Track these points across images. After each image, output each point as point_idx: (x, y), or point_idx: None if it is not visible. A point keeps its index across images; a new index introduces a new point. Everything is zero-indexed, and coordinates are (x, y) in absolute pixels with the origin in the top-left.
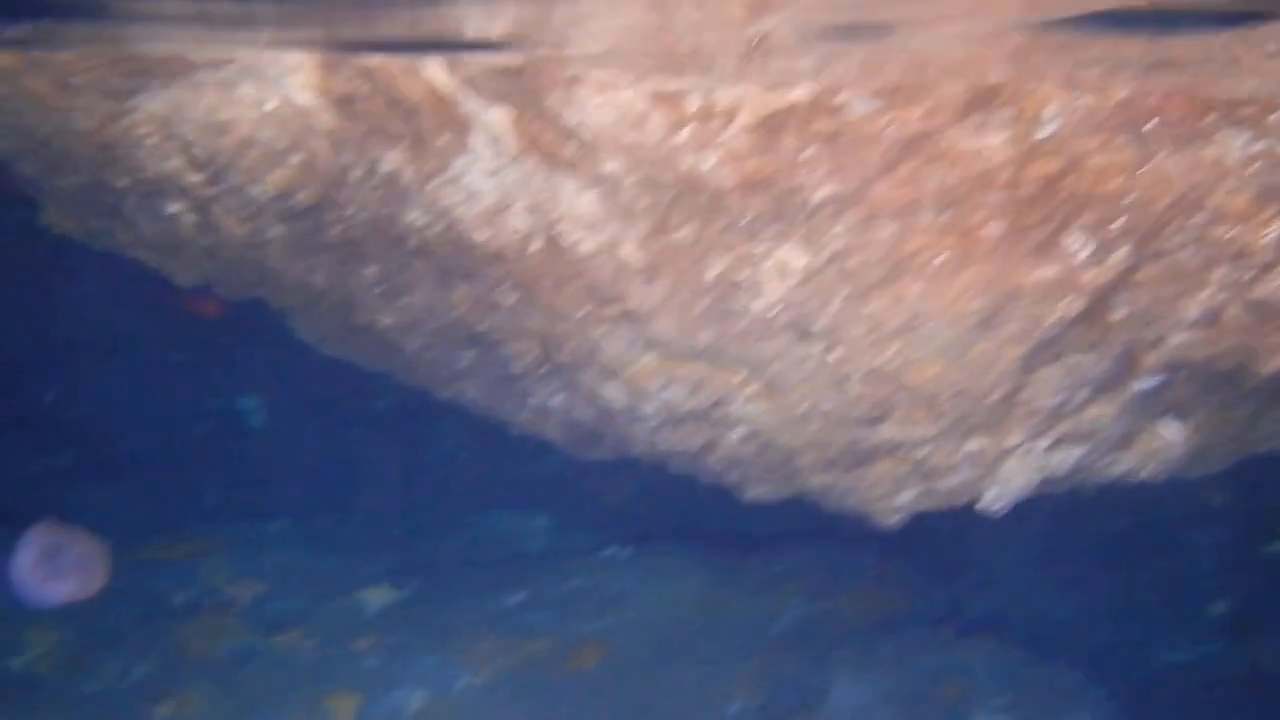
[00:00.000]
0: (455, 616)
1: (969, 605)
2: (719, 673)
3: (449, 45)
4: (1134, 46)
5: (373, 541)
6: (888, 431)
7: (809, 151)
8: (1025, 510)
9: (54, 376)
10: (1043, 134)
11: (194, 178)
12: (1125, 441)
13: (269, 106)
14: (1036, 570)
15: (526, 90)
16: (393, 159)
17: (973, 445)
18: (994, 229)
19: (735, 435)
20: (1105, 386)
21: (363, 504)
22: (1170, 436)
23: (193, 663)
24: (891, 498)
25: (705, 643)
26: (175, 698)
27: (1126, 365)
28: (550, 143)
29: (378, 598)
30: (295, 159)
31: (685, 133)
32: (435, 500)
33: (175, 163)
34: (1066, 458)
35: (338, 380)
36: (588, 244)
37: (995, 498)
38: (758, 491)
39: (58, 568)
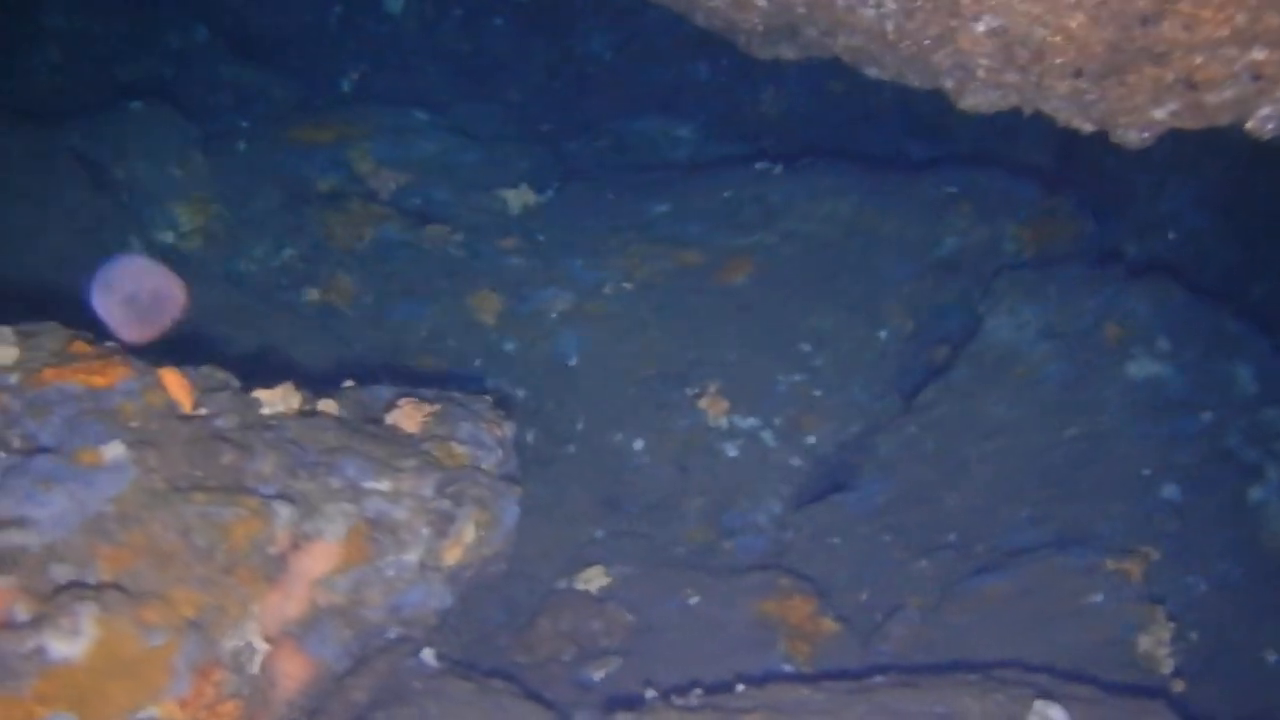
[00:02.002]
0: (600, 222)
1: (1135, 247)
2: (872, 297)
3: None
4: None
5: (516, 139)
6: (1164, 31)
7: None
8: (1202, 152)
9: None
10: None
11: None
12: None
13: None
14: (1207, 217)
15: None
16: None
17: (1258, 55)
18: None
19: (980, 27)
20: None
21: (504, 101)
22: None
23: (339, 250)
24: (1146, 111)
25: (859, 265)
26: (324, 283)
27: None
28: None
29: (519, 199)
30: None
31: None
32: (578, 102)
33: None
34: None
35: None
36: None
37: (1268, 118)
38: (978, 100)
39: (133, 308)
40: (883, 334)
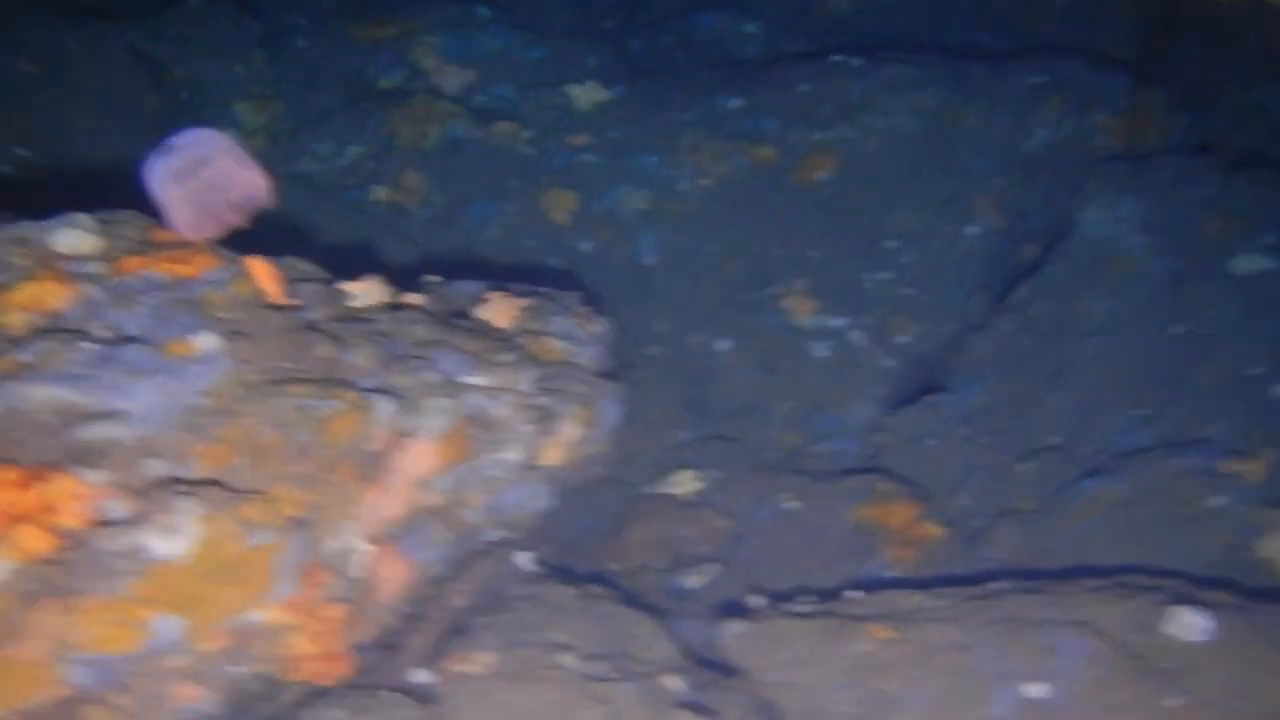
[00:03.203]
0: (673, 118)
1: (1231, 139)
2: (959, 192)
3: None
4: None
5: (580, 36)
6: None
7: None
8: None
9: None
10: None
11: None
12: None
13: None
14: None
15: None
16: None
17: None
18: None
19: None
20: None
21: None
22: None
23: (406, 149)
24: None
25: (944, 160)
26: (392, 181)
27: None
28: None
29: (587, 95)
30: None
31: None
32: None
33: None
34: None
35: None
36: None
37: None
38: None
39: (198, 194)
40: (971, 230)
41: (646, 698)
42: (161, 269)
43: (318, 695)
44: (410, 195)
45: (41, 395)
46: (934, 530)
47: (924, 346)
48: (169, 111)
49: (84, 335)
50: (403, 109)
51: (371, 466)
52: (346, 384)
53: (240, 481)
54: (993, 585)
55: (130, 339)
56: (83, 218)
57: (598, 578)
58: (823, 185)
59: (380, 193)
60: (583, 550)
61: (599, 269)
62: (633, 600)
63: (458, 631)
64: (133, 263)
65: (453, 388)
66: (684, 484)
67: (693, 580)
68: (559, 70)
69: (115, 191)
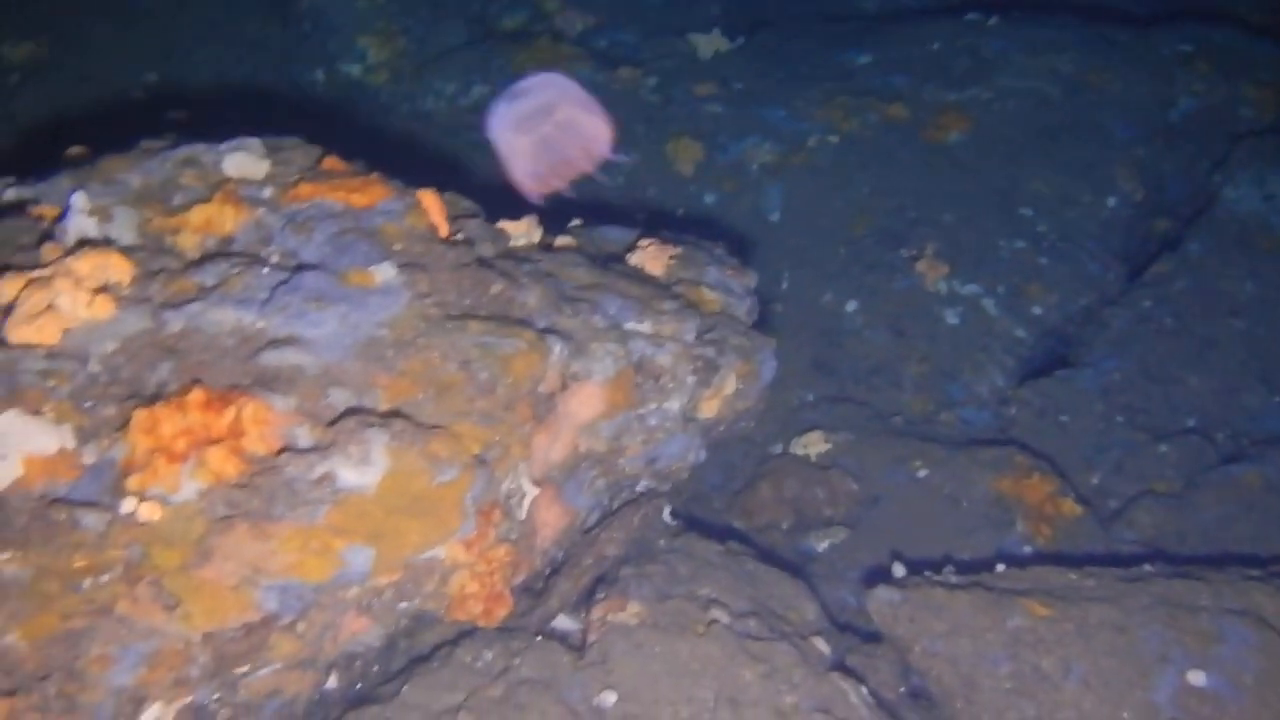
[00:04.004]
0: (799, 70)
1: None
2: (1097, 161)
3: None
4: None
5: None
6: None
7: None
8: None
9: None
10: None
11: None
12: None
13: None
14: None
15: None
16: None
17: None
18: None
19: None
20: None
21: None
22: None
23: None
24: None
25: (1083, 126)
26: None
27: None
28: None
29: (709, 45)
30: None
31: None
32: None
33: None
34: None
35: None
36: None
37: None
38: None
39: (546, 146)
40: (1111, 200)
41: (804, 659)
42: (335, 197)
43: (467, 636)
44: None
45: (224, 318)
46: (1072, 508)
47: (1058, 318)
48: (291, 43)
49: (260, 261)
50: (526, 50)
51: (543, 408)
52: (524, 323)
53: (424, 416)
54: (1146, 568)
55: (308, 266)
56: (253, 142)
57: (731, 534)
58: (955, 146)
59: None
60: (711, 507)
61: (724, 223)
62: (774, 559)
63: (606, 580)
64: (305, 189)
65: (620, 333)
66: (813, 445)
67: (821, 543)
68: (681, 17)
69: (241, 119)
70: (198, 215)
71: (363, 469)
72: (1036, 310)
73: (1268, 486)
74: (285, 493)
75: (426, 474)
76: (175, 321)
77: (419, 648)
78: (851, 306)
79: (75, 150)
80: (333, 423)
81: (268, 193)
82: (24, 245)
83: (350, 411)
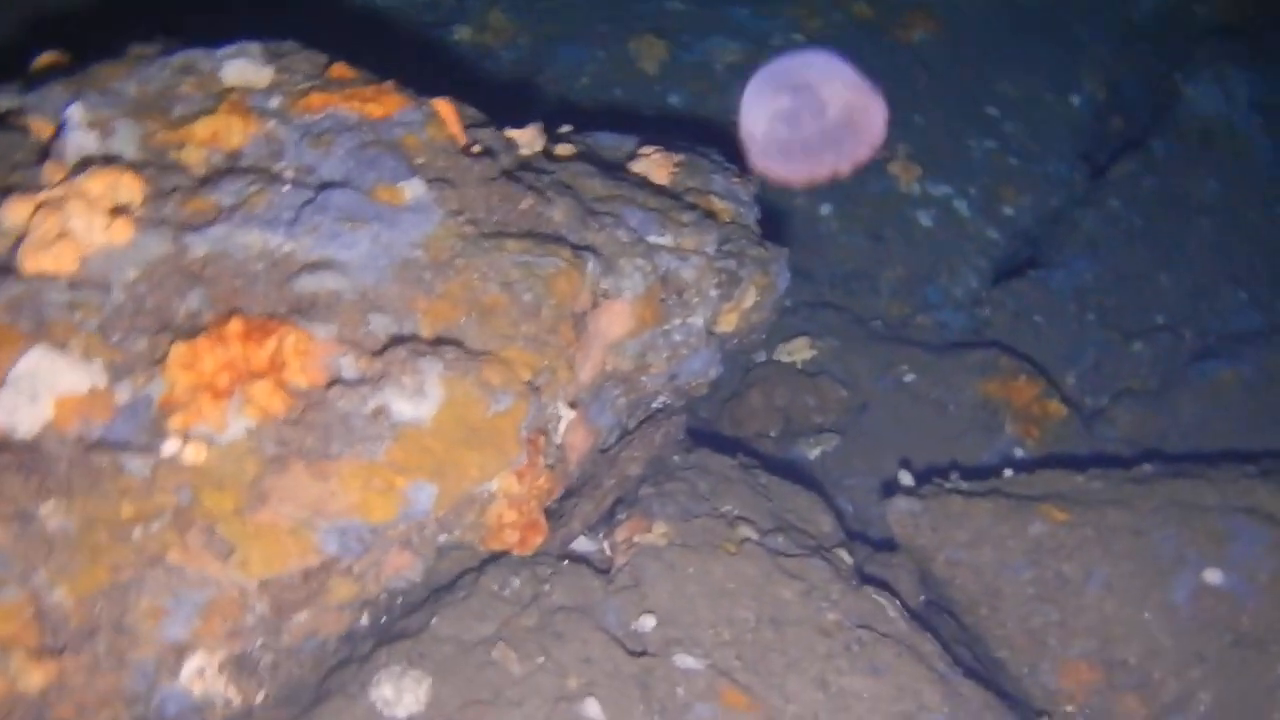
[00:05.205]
0: None
1: None
2: (1063, 60)
3: None
4: None
5: None
6: None
7: None
8: None
9: None
10: None
11: None
12: None
13: None
14: None
15: None
16: None
17: None
18: None
19: None
20: None
21: None
22: None
23: None
24: None
25: (1048, 25)
26: (476, 20)
27: None
28: None
29: None
30: None
31: None
32: None
33: None
34: None
35: None
36: None
37: None
38: None
39: (808, 135)
40: (1075, 100)
41: (838, 575)
42: (350, 107)
43: (491, 561)
44: (496, 35)
45: (250, 241)
46: (1057, 409)
47: (1029, 219)
48: None
49: (276, 178)
50: None
51: (580, 329)
52: (559, 240)
53: (470, 341)
54: (1146, 468)
55: (333, 184)
56: (254, 47)
57: (722, 443)
58: (922, 46)
59: (464, 32)
60: (697, 416)
61: (690, 124)
62: (786, 470)
63: (625, 501)
64: (315, 100)
65: (645, 247)
66: (799, 351)
67: (813, 450)
68: None
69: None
70: (203, 128)
71: (418, 401)
72: (1008, 211)
73: (1242, 384)
74: (341, 428)
75: (482, 404)
76: (199, 245)
77: (438, 578)
78: (826, 210)
79: (49, 57)
80: (379, 352)
81: (275, 102)
82: (20, 163)
83: (396, 340)
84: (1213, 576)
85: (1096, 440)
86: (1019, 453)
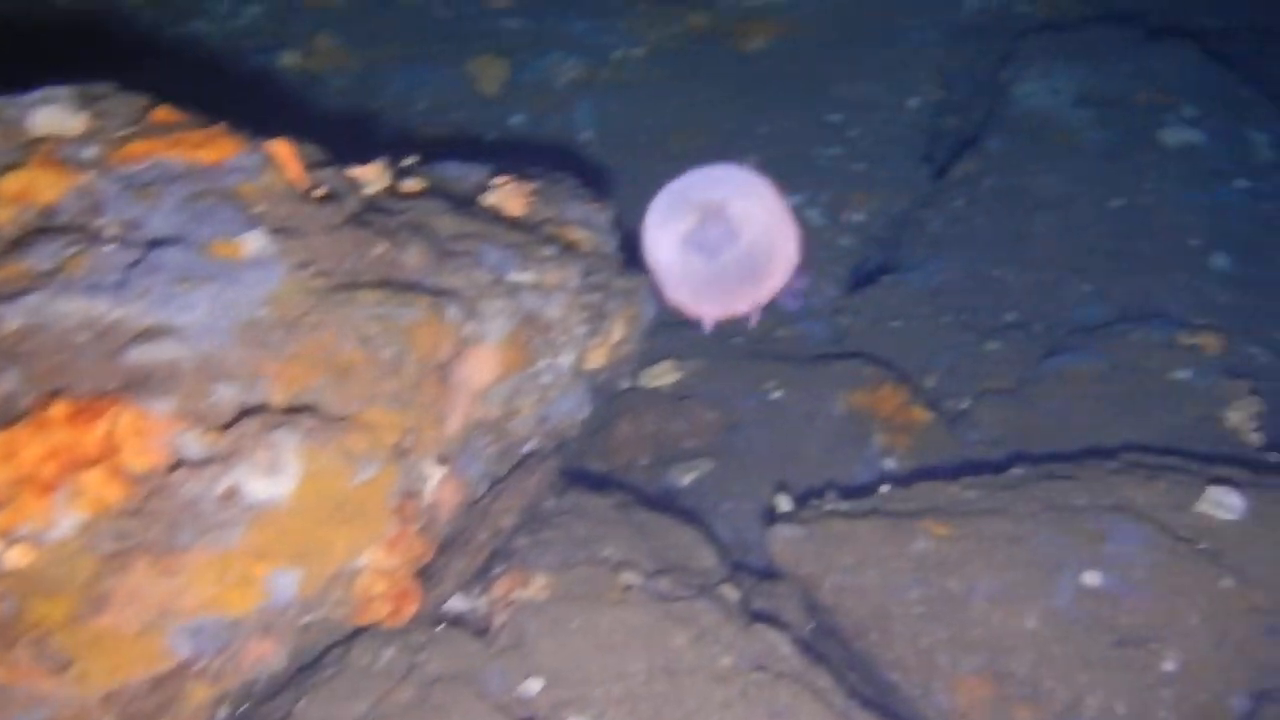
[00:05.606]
0: None
1: (1146, 7)
2: (897, 62)
3: None
4: None
5: None
6: None
7: None
8: None
9: None
10: None
11: None
12: None
13: None
14: None
15: None
16: None
17: None
18: None
19: None
20: None
21: None
22: None
23: (313, 8)
24: None
25: (882, 27)
26: (303, 45)
27: None
28: None
29: None
30: None
31: None
32: None
33: None
34: None
35: None
36: None
37: None
38: None
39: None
40: (913, 102)
41: (728, 615)
42: (176, 154)
43: (359, 633)
44: (326, 60)
45: (72, 309)
46: (922, 415)
47: (880, 224)
48: None
49: (97, 236)
50: None
51: (444, 379)
52: (416, 287)
53: (329, 406)
54: (1015, 471)
55: (163, 240)
56: (62, 91)
57: (604, 480)
58: (762, 55)
59: (291, 58)
60: (567, 450)
61: (535, 144)
62: (661, 505)
63: (500, 554)
64: (138, 147)
65: (507, 287)
66: (665, 375)
67: (686, 477)
68: None
69: None
70: (10, 184)
71: (274, 478)
72: (858, 217)
73: (1095, 377)
74: (189, 516)
75: (346, 474)
76: (11, 318)
77: (303, 654)
78: None
79: None
80: (228, 426)
81: (92, 152)
82: None
83: (246, 410)
84: (1092, 578)
85: (962, 443)
86: (889, 463)
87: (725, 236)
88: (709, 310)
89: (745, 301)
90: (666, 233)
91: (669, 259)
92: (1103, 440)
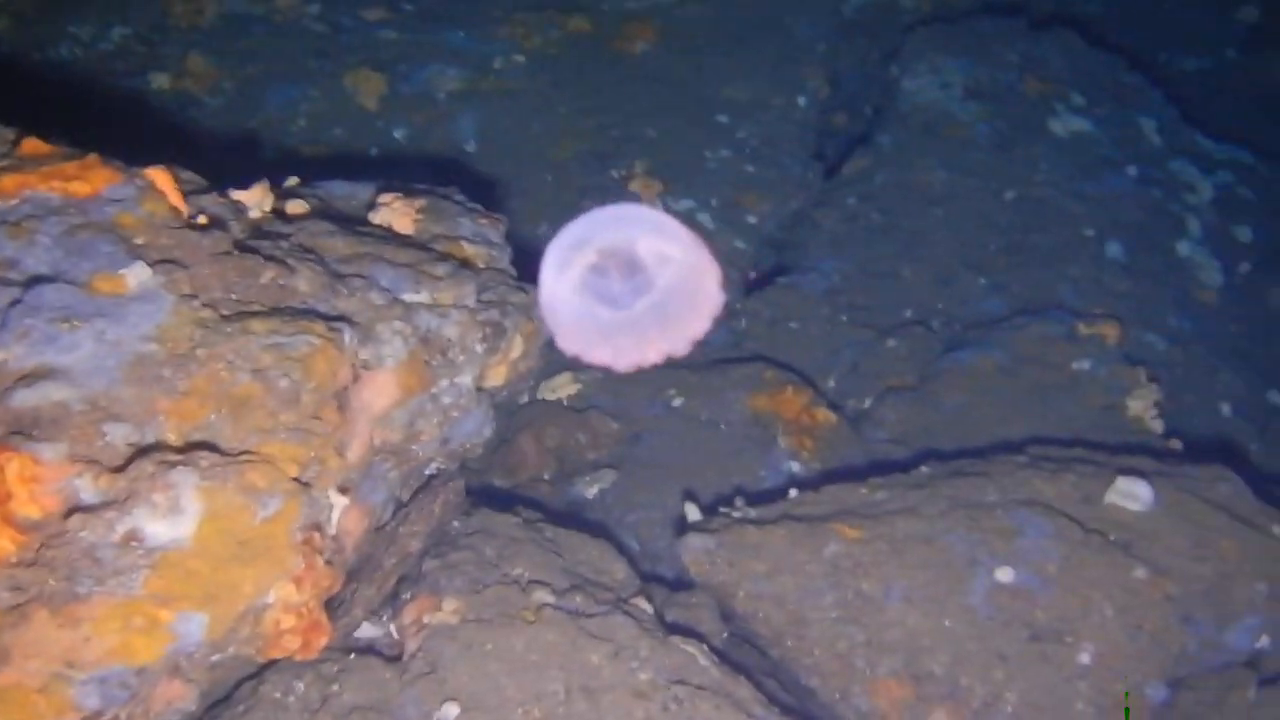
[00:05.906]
0: None
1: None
2: (783, 59)
3: None
4: None
5: None
6: None
7: None
8: None
9: None
10: None
11: None
12: None
13: None
14: None
15: None
16: None
17: None
18: None
19: None
20: None
21: None
22: None
23: (182, 29)
24: None
25: (767, 25)
26: (174, 66)
27: None
28: None
29: None
30: None
31: None
32: None
33: None
34: None
35: None
36: None
37: None
38: None
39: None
40: (801, 100)
41: (644, 630)
42: (50, 187)
43: (269, 665)
44: (198, 81)
45: None
46: (826, 416)
47: (773, 225)
48: None
49: None
50: None
51: (343, 407)
52: (309, 314)
53: (226, 441)
54: (923, 470)
55: (40, 278)
56: None
57: (509, 497)
58: (645, 57)
59: (162, 79)
60: (468, 467)
61: (416, 157)
62: (568, 519)
63: (409, 579)
64: (8, 182)
65: (402, 308)
66: (564, 387)
67: (590, 489)
68: None
69: None
70: None
71: (174, 519)
72: (751, 219)
73: (996, 370)
74: (88, 563)
75: (248, 511)
76: None
77: (213, 690)
78: None
79: None
80: (122, 467)
81: None
82: None
83: (140, 451)
84: (1004, 574)
85: (867, 443)
86: (795, 466)
87: (638, 284)
88: (619, 362)
89: (661, 350)
90: (564, 283)
91: (569, 311)
92: (1007, 434)
